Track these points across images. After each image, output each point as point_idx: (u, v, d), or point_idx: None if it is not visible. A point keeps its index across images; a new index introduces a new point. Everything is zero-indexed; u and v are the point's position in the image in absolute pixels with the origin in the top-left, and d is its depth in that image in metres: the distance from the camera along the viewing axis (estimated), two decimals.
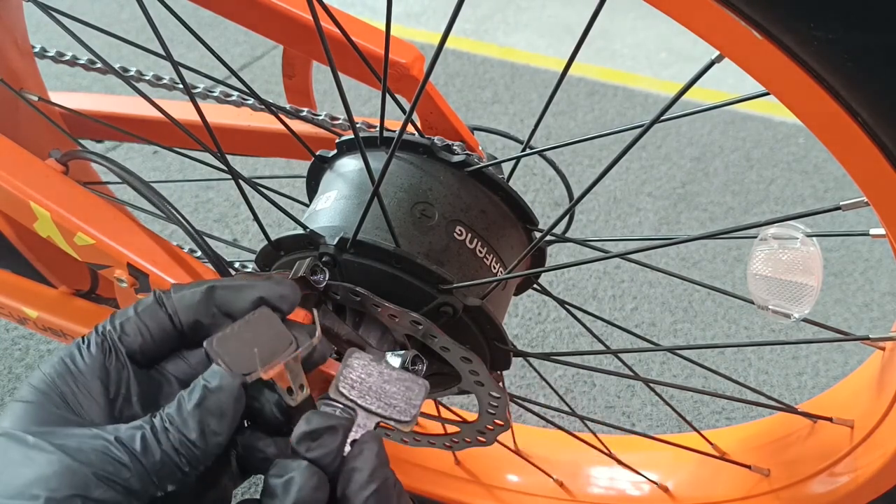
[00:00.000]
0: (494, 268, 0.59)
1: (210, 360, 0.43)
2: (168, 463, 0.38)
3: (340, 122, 0.73)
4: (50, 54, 0.80)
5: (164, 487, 0.38)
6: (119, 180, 0.57)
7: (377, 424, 0.45)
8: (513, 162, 0.65)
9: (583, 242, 0.69)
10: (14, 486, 0.35)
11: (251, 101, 0.75)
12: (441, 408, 0.85)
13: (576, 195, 0.56)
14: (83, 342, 0.42)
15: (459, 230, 0.57)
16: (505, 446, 0.85)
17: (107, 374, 0.41)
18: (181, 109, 0.70)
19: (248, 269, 0.76)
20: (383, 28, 0.52)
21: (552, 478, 0.85)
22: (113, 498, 0.36)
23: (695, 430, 0.76)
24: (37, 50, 0.82)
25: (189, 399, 0.40)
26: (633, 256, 0.62)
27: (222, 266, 0.52)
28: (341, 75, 0.54)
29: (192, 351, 0.46)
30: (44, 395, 0.39)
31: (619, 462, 0.81)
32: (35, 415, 0.38)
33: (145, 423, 0.39)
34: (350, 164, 0.61)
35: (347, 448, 0.42)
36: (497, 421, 0.62)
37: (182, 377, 0.45)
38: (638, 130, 0.49)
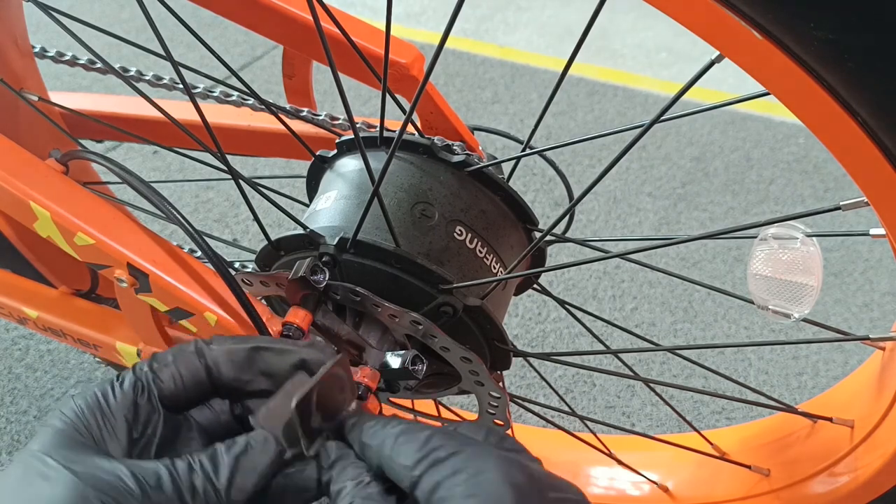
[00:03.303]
0: (494, 268, 0.59)
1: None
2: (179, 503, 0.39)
3: (340, 122, 0.73)
4: (50, 54, 0.80)
5: None
6: (119, 180, 0.57)
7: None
8: (513, 162, 0.65)
9: (583, 242, 0.69)
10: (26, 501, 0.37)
11: (251, 101, 0.75)
12: (441, 408, 0.85)
13: (576, 195, 0.56)
14: (117, 380, 0.43)
15: (459, 230, 0.57)
16: None
17: (135, 415, 0.42)
18: (181, 109, 0.70)
19: (248, 269, 0.76)
20: (383, 28, 0.52)
21: None
22: None
23: (695, 430, 0.76)
24: (37, 50, 0.82)
25: (229, 451, 0.41)
26: (633, 256, 0.62)
27: (222, 266, 0.52)
28: (341, 75, 0.54)
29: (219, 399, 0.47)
30: (71, 423, 0.41)
31: (619, 462, 0.81)
32: (60, 440, 0.40)
33: (165, 463, 0.40)
34: (350, 164, 0.61)
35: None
36: (497, 421, 0.62)
37: (205, 423, 0.46)
38: (638, 130, 0.49)
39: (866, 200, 0.45)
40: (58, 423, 0.41)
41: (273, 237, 0.59)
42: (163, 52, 0.51)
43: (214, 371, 0.44)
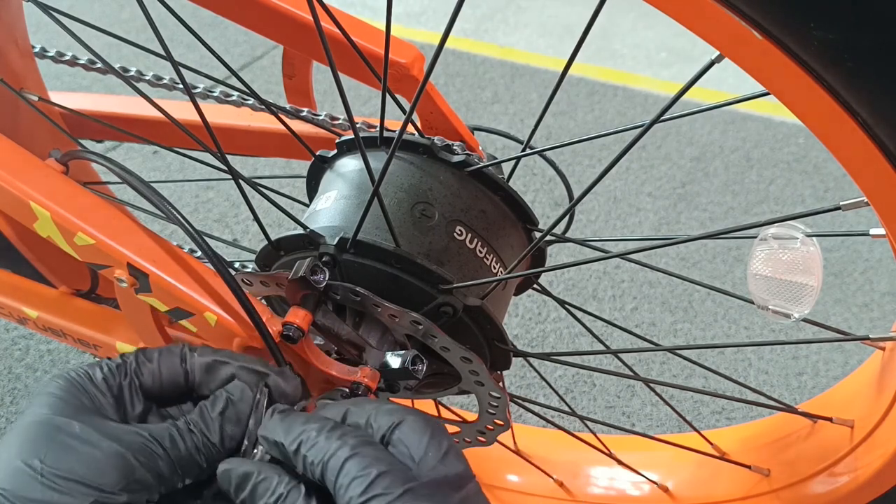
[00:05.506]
0: (494, 268, 0.59)
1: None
2: (190, 459, 0.43)
3: (340, 122, 0.73)
4: (50, 54, 0.80)
5: (184, 480, 0.43)
6: (119, 180, 0.57)
7: None
8: (513, 162, 0.65)
9: (583, 242, 0.69)
10: (70, 470, 0.39)
11: (251, 101, 0.75)
12: (441, 408, 0.85)
13: (576, 195, 0.56)
14: (103, 362, 0.46)
15: (459, 230, 0.57)
16: (505, 446, 0.85)
17: (119, 394, 0.45)
18: (181, 109, 0.70)
19: (248, 269, 0.76)
20: (383, 28, 0.52)
21: (552, 478, 0.85)
22: (148, 480, 0.41)
23: (695, 430, 0.76)
24: (37, 50, 0.82)
25: (213, 408, 0.45)
26: (633, 256, 0.62)
27: (222, 266, 0.52)
28: (341, 75, 0.54)
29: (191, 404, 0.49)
30: (70, 393, 0.43)
31: (619, 462, 0.81)
32: (68, 406, 0.42)
33: (170, 425, 0.44)
34: (350, 164, 0.61)
35: None
36: (497, 421, 0.62)
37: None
38: (638, 130, 0.49)
39: (866, 200, 0.45)
40: (56, 390, 0.43)
41: (273, 237, 0.59)
42: (163, 52, 0.51)
43: (191, 376, 0.47)
